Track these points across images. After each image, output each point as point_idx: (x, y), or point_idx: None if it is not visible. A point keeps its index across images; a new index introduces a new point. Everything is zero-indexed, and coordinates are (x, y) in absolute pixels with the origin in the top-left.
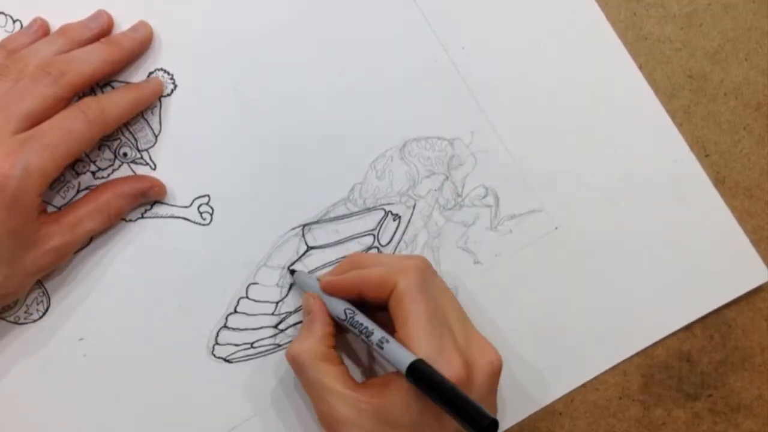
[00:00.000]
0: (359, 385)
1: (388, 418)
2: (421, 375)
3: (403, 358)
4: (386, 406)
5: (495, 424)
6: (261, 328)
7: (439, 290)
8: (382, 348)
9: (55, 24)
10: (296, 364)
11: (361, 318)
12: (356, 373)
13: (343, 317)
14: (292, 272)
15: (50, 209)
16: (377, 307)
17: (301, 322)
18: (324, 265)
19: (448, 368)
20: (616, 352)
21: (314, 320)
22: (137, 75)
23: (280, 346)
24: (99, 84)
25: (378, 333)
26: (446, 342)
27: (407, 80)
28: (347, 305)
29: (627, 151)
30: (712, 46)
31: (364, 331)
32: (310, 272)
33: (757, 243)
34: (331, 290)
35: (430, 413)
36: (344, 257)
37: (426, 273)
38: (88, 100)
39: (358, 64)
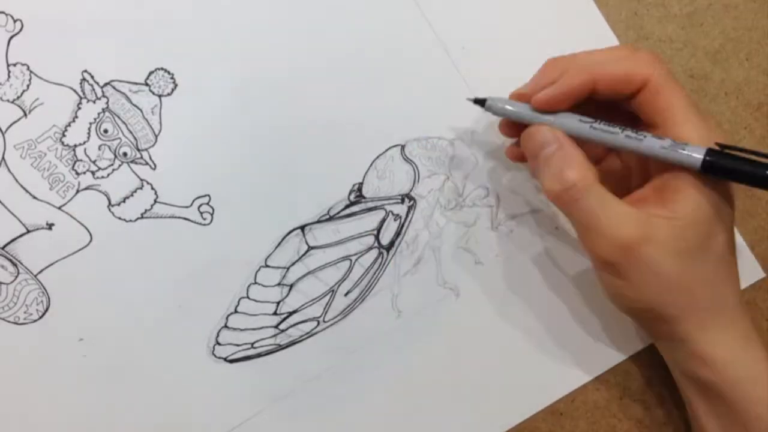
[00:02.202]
0: (629, 202)
1: (682, 221)
2: (723, 161)
3: (695, 148)
4: (678, 210)
5: None
6: (261, 328)
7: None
8: (661, 140)
9: (55, 24)
10: (573, 194)
11: (604, 124)
12: None
13: (590, 121)
14: (481, 103)
15: (50, 209)
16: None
17: (302, 321)
18: (325, 265)
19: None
20: (618, 352)
21: (565, 146)
22: (137, 75)
23: (280, 346)
24: (99, 84)
25: (640, 133)
26: (713, 125)
27: (408, 80)
28: (577, 117)
29: None
30: (713, 46)
31: (628, 129)
32: (310, 272)
33: (758, 243)
34: (552, 104)
35: (725, 207)
36: (344, 257)
37: (664, 63)
38: None
39: (359, 64)
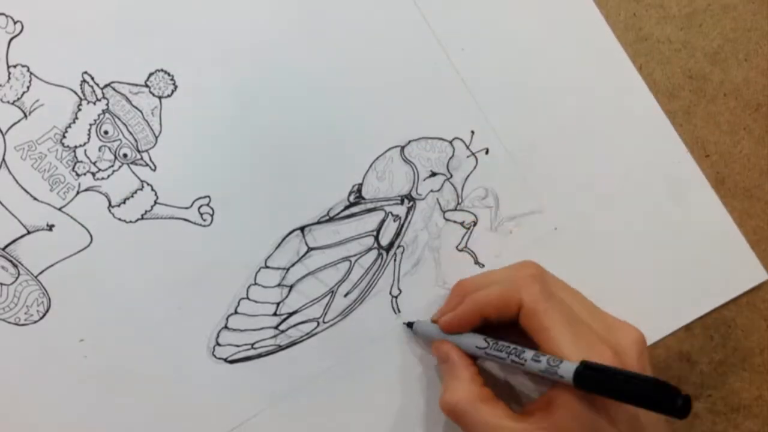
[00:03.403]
0: (522, 415)
1: None
2: (592, 377)
3: (567, 366)
4: (558, 425)
5: (688, 400)
6: (261, 329)
7: (560, 290)
8: (538, 362)
9: (55, 25)
10: (456, 414)
11: (498, 346)
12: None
13: (484, 345)
14: (410, 325)
15: (50, 210)
16: (499, 328)
17: (301, 322)
18: (325, 266)
19: (602, 362)
20: None
21: (455, 365)
22: (138, 76)
23: (280, 347)
24: (99, 85)
25: (526, 353)
26: (591, 338)
27: (407, 81)
28: (476, 340)
29: (626, 151)
30: (712, 47)
31: (514, 351)
32: (310, 273)
33: (757, 243)
34: (454, 327)
35: (603, 416)
36: (344, 258)
37: (543, 278)
38: None
39: (359, 65)
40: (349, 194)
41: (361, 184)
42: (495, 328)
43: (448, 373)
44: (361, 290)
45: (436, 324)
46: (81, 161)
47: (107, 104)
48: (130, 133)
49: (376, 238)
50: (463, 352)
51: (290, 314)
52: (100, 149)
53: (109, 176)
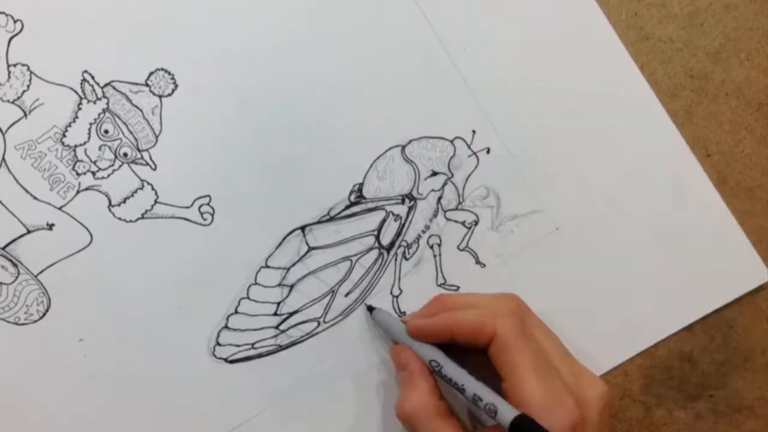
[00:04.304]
0: None
1: None
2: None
3: (504, 413)
4: None
5: None
6: (262, 328)
7: (537, 329)
8: (477, 404)
9: (55, 24)
10: (411, 423)
11: (450, 370)
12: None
13: (437, 366)
14: (371, 309)
15: (50, 209)
16: (468, 349)
17: (302, 322)
18: (326, 265)
19: (563, 411)
20: (617, 353)
21: (414, 374)
22: (138, 75)
23: (281, 346)
24: (100, 84)
25: (471, 387)
26: (557, 384)
27: (409, 81)
28: (435, 354)
29: (628, 151)
30: (714, 46)
31: (455, 385)
32: (311, 273)
33: (758, 243)
34: (420, 335)
35: None
36: (344, 258)
37: (522, 315)
38: None
39: (359, 64)
40: (350, 194)
41: (362, 184)
42: (463, 349)
43: (406, 382)
44: (362, 290)
45: (402, 324)
46: (81, 160)
47: (107, 103)
48: (131, 132)
49: (377, 237)
50: (423, 362)
51: (291, 314)
52: (100, 148)
53: (109, 175)
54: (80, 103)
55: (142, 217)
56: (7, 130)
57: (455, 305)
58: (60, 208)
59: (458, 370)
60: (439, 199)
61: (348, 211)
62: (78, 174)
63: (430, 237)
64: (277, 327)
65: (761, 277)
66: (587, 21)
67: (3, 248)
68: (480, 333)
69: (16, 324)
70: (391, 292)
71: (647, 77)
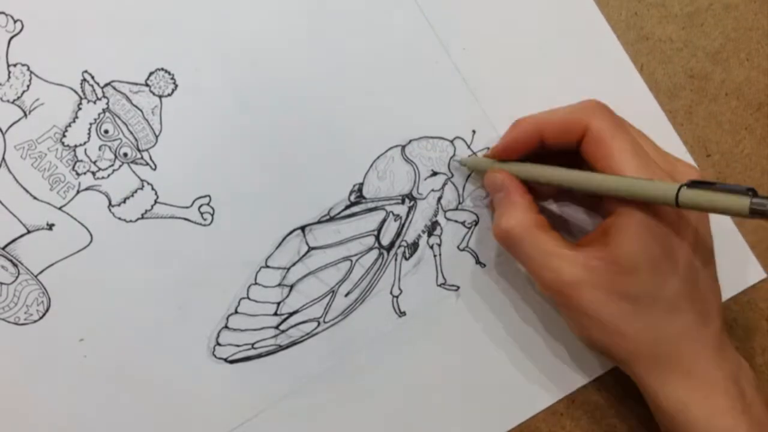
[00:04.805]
0: (579, 244)
1: (620, 264)
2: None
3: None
4: (616, 252)
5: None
6: (262, 328)
7: (628, 124)
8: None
9: (55, 24)
10: (510, 239)
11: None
12: None
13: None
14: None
15: (50, 209)
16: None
17: (302, 322)
18: (326, 265)
19: None
20: None
21: (510, 191)
22: (138, 75)
23: (281, 346)
24: (100, 84)
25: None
26: (656, 171)
27: (409, 81)
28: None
29: None
30: (714, 46)
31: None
32: (311, 273)
33: (757, 243)
34: (507, 152)
35: (664, 245)
36: (344, 258)
37: (611, 110)
38: None
39: (360, 64)
40: (350, 194)
41: (362, 184)
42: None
43: (503, 201)
44: (362, 290)
45: (490, 159)
46: (81, 160)
47: (107, 103)
48: (131, 132)
49: (377, 237)
50: (519, 180)
51: (291, 314)
52: (100, 148)
53: (109, 175)
54: (80, 103)
55: (142, 217)
56: (7, 130)
57: (535, 118)
58: (60, 208)
59: (572, 171)
60: (439, 199)
61: (348, 211)
62: (78, 174)
63: (430, 237)
64: (277, 327)
65: (757, 277)
66: (587, 21)
67: (3, 248)
68: (569, 130)
69: (16, 324)
70: (391, 292)
71: (647, 77)
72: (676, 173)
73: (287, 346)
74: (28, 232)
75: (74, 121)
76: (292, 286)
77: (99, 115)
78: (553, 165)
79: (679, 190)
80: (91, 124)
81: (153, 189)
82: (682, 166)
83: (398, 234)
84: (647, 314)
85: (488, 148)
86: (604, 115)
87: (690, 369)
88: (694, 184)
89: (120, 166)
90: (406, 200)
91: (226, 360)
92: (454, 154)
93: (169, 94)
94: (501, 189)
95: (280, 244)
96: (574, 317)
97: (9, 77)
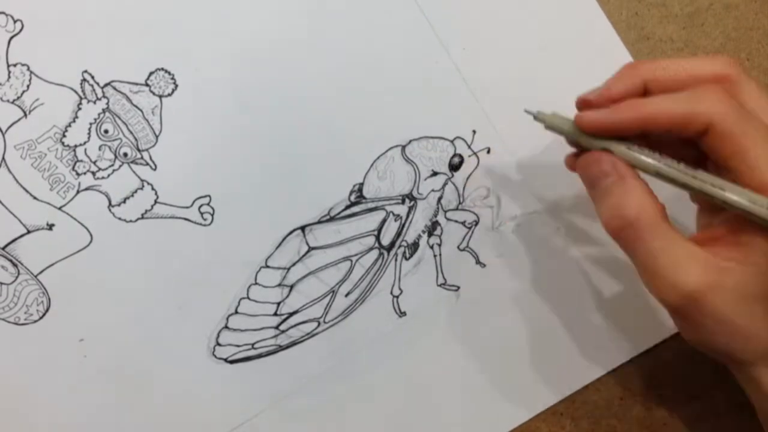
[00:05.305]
0: (699, 242)
1: (758, 265)
2: None
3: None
4: (756, 255)
5: None
6: (262, 328)
7: (753, 98)
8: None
9: (55, 24)
10: (634, 230)
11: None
12: None
13: (656, 158)
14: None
15: (50, 209)
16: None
17: (302, 322)
18: (326, 265)
19: None
20: (619, 353)
21: (625, 177)
22: (138, 74)
23: (281, 347)
24: (100, 84)
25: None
26: None
27: (409, 81)
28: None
29: None
30: (714, 46)
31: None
32: (311, 273)
33: None
34: (603, 130)
35: None
36: (344, 258)
37: (741, 89)
38: None
39: (360, 64)
40: (350, 194)
41: (362, 184)
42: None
43: (615, 188)
44: (362, 290)
45: (571, 121)
46: (81, 160)
47: (107, 103)
48: (131, 132)
49: (377, 237)
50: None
51: (291, 314)
52: (100, 148)
53: (109, 175)
54: (80, 103)
55: (142, 217)
56: (7, 130)
57: (656, 79)
58: (60, 208)
59: (681, 163)
60: (439, 199)
61: (348, 211)
62: (78, 174)
63: (430, 237)
64: (277, 327)
65: None
66: (587, 21)
67: (3, 248)
68: (688, 126)
69: (16, 324)
70: (391, 292)
71: None
72: None
73: (287, 347)
74: (28, 232)
75: (74, 121)
76: (292, 286)
77: (99, 115)
78: (666, 152)
79: None
80: (91, 124)
81: (153, 189)
82: None
83: (398, 234)
84: None
85: (488, 149)
86: (725, 106)
87: None
88: None
89: (120, 166)
90: (407, 200)
91: (226, 360)
92: (454, 154)
93: (169, 94)
94: (610, 173)
95: (280, 244)
96: (700, 321)
97: (9, 77)
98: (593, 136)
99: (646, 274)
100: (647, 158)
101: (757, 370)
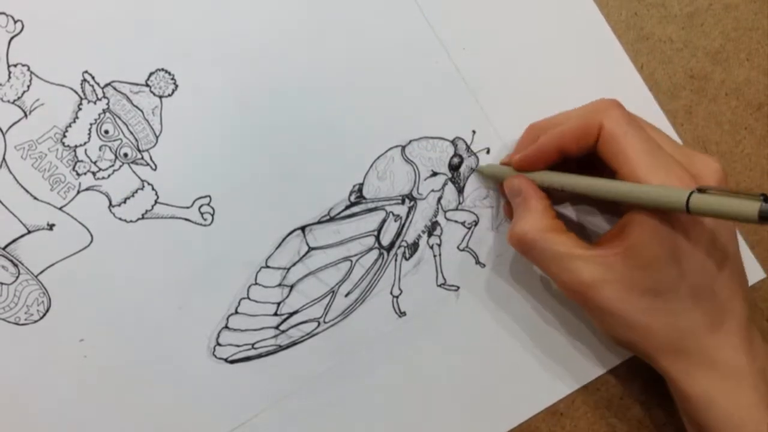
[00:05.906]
0: (594, 245)
1: (638, 259)
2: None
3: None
4: (634, 248)
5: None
6: (262, 328)
7: (641, 121)
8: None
9: (55, 25)
10: (524, 244)
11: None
12: None
13: (561, 179)
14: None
15: (51, 210)
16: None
17: (302, 322)
18: (326, 265)
19: (681, 186)
20: (619, 353)
21: (528, 197)
22: (138, 75)
23: (281, 347)
24: (100, 85)
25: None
26: (672, 165)
27: (409, 81)
28: (555, 171)
29: None
30: (714, 46)
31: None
32: (311, 273)
33: (758, 243)
34: (529, 164)
35: (682, 236)
36: (344, 258)
37: (623, 107)
38: None
39: (359, 64)
40: (350, 194)
41: (362, 184)
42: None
43: (519, 207)
44: (362, 290)
45: (507, 166)
46: (81, 161)
47: (108, 103)
48: (131, 133)
49: (377, 237)
50: (537, 186)
51: (291, 314)
52: (100, 149)
53: (109, 176)
54: (80, 104)
55: (143, 218)
56: (7, 131)
57: (551, 125)
58: (60, 209)
59: (585, 178)
60: (439, 199)
61: (348, 212)
62: (78, 174)
63: (429, 237)
64: (277, 327)
65: (756, 276)
66: (586, 21)
67: (3, 248)
68: (587, 132)
69: (17, 324)
70: (391, 292)
71: (647, 77)
72: (693, 166)
73: (287, 347)
74: (29, 232)
75: (74, 122)
76: (292, 287)
77: (99, 115)
78: (573, 165)
79: (689, 197)
80: (91, 124)
81: (153, 189)
82: (699, 159)
83: (398, 234)
84: (669, 307)
85: (488, 149)
86: (617, 113)
87: (714, 361)
88: (703, 190)
89: (120, 166)
90: (406, 200)
91: (226, 360)
92: (454, 154)
93: (169, 95)
94: (519, 194)
95: (280, 244)
96: (598, 315)
97: (9, 77)
98: (524, 170)
99: (550, 279)
100: (551, 177)
101: (661, 362)
